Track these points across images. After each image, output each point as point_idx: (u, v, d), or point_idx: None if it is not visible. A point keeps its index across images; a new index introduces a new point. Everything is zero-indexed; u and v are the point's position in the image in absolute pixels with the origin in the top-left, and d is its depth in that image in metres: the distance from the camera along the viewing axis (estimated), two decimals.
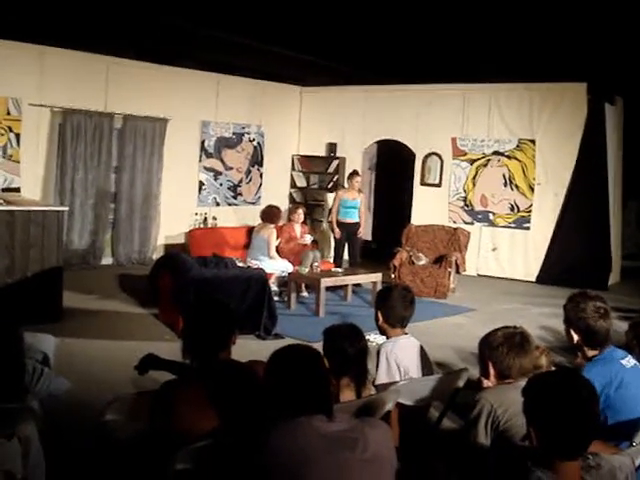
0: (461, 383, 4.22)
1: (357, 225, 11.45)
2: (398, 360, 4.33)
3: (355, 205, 11.40)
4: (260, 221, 10.76)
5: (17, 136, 10.86)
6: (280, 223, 10.93)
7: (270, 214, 10.65)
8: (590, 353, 3.94)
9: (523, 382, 3.28)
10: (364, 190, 12.81)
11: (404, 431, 3.75)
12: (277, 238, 10.50)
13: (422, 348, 4.56)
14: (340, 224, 11.45)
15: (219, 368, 3.29)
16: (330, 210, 12.12)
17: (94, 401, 4.57)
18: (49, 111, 11.17)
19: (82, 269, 11.25)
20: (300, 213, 11.14)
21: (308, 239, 10.75)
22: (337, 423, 2.63)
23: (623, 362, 3.86)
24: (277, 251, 10.44)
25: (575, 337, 3.96)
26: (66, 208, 9.54)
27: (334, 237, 11.77)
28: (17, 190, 10.73)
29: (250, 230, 11.32)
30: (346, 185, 11.89)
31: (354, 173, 11.69)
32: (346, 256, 11.70)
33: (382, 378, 4.32)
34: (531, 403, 2.52)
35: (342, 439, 2.58)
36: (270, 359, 2.85)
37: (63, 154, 11.28)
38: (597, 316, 3.90)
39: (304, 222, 11.54)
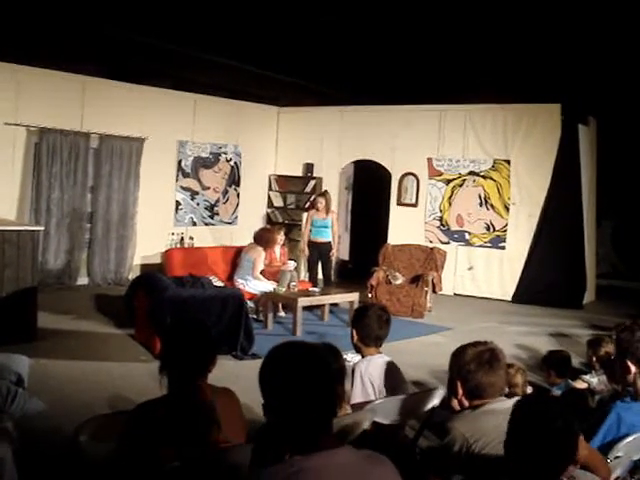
0: (437, 401, 4.23)
1: (329, 244, 11.48)
2: (372, 379, 4.36)
3: (326, 224, 11.44)
4: (252, 241, 10.78)
5: None
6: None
7: (263, 239, 10.69)
8: None
9: (494, 405, 3.25)
10: (341, 210, 12.85)
11: (379, 450, 3.74)
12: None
13: (395, 365, 4.57)
14: (312, 243, 11.50)
15: (189, 403, 3.22)
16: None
17: (68, 422, 4.53)
18: (25, 130, 11.11)
19: (57, 289, 11.16)
20: (282, 236, 11.14)
21: (292, 265, 10.71)
22: (343, 456, 2.20)
23: None
24: (262, 273, 10.43)
25: (633, 368, 3.67)
26: (41, 228, 9.48)
27: (305, 257, 11.84)
28: None
29: (229, 250, 11.42)
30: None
31: (320, 194, 11.81)
32: (320, 275, 11.71)
33: (357, 397, 4.33)
34: (510, 427, 2.56)
35: (349, 476, 2.17)
36: (265, 362, 2.28)
37: (39, 173, 11.21)
38: None
39: (283, 245, 11.54)
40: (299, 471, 2.09)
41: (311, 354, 2.28)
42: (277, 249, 11.06)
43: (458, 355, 3.40)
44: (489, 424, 3.10)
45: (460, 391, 3.34)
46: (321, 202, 11.49)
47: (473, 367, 3.28)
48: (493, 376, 3.29)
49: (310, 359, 2.25)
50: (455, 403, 3.40)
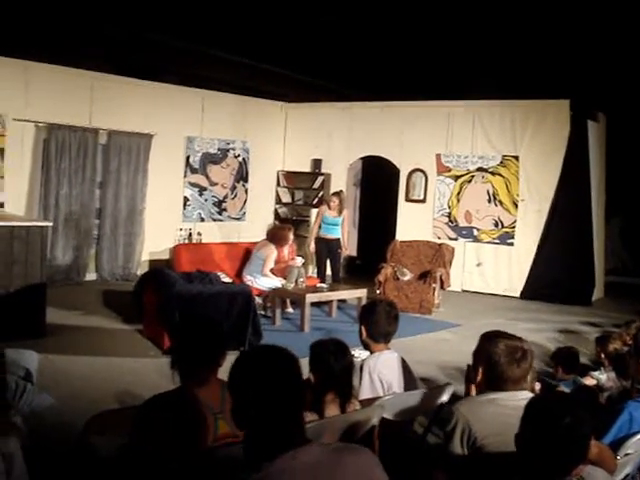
0: (445, 398, 4.22)
1: (338, 241, 11.45)
2: (381, 375, 4.35)
3: (336, 223, 11.40)
4: (263, 238, 10.77)
5: (1, 151, 10.80)
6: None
7: (276, 236, 10.67)
8: None
9: (501, 394, 3.24)
10: (349, 206, 12.82)
11: (387, 446, 3.75)
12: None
13: (404, 361, 4.58)
14: (321, 240, 11.45)
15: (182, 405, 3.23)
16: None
17: (77, 417, 4.54)
18: (34, 126, 11.13)
19: (66, 285, 11.19)
20: (291, 235, 11.09)
21: (299, 261, 10.68)
22: (308, 453, 2.21)
23: None
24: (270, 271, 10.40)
25: None
26: (50, 223, 9.48)
27: (313, 252, 11.76)
28: (0, 205, 10.69)
29: (237, 246, 11.44)
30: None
31: (334, 194, 11.73)
32: (329, 272, 11.68)
33: (365, 393, 4.32)
34: (522, 424, 2.56)
35: (315, 473, 2.19)
36: (233, 368, 2.36)
37: (47, 169, 11.23)
38: None
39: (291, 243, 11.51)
40: (263, 477, 2.12)
41: (275, 362, 2.30)
42: (285, 248, 11.03)
43: (490, 341, 3.32)
44: (492, 412, 3.10)
45: (479, 376, 3.30)
46: (334, 201, 11.43)
47: (503, 359, 3.22)
48: (518, 374, 3.23)
49: (273, 367, 2.28)
50: (471, 388, 3.38)
